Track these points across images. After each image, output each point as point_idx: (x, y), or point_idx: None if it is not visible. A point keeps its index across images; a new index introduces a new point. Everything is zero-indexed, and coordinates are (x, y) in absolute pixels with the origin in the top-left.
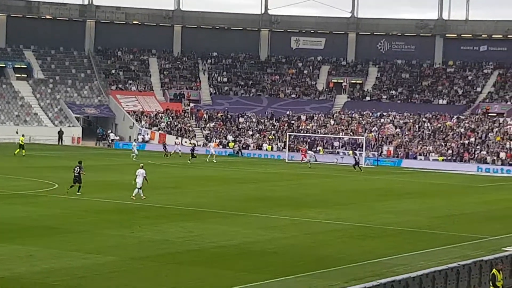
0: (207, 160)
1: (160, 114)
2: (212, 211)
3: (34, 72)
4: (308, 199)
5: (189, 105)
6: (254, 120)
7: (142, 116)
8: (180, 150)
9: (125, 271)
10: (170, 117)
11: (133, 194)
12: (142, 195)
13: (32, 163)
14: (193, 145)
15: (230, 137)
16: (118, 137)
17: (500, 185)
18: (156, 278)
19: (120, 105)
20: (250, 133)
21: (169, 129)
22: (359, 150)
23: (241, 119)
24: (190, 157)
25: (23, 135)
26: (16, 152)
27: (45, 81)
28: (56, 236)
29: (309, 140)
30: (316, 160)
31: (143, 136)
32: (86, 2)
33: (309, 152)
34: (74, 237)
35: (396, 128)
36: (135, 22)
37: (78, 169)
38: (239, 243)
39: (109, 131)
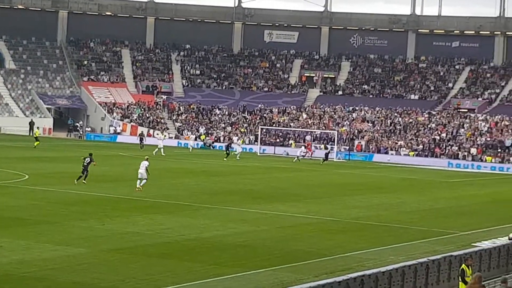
0: (237, 157)
1: (132, 106)
2: (183, 204)
3: (5, 62)
4: (280, 192)
5: (161, 97)
6: (226, 113)
7: (114, 108)
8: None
9: (95, 263)
10: (142, 109)
11: (139, 185)
12: (138, 186)
13: (2, 153)
14: (229, 141)
15: (202, 130)
16: (89, 128)
17: (470, 181)
18: (126, 271)
19: (92, 97)
20: (223, 125)
21: (141, 121)
22: (331, 144)
23: (217, 111)
24: (226, 156)
25: None
26: None
27: (17, 72)
28: (26, 227)
29: (280, 134)
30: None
31: (115, 128)
32: None
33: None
34: (44, 229)
35: (367, 123)
36: (108, 13)
37: (89, 160)
38: (210, 236)
39: (80, 122)
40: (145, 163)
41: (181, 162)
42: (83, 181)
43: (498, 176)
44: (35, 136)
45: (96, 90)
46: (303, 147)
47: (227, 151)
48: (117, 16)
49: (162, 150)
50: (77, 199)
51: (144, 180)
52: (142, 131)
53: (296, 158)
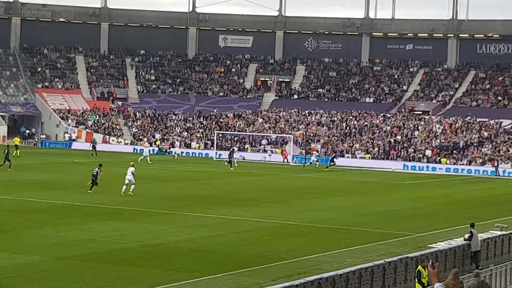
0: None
1: (87, 113)
2: (140, 210)
3: None
4: (236, 197)
5: (116, 103)
6: (182, 118)
7: (69, 115)
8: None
9: (51, 271)
10: (97, 116)
11: (130, 190)
12: (123, 191)
13: None
14: (232, 149)
15: (158, 136)
16: (44, 135)
17: (425, 183)
18: (83, 278)
19: (47, 104)
20: (178, 131)
21: (96, 127)
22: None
23: (173, 116)
24: (227, 163)
25: None
26: None
27: None
28: None
29: (236, 138)
30: (318, 161)
31: (70, 134)
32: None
33: (314, 152)
34: (0, 237)
35: (323, 127)
36: (61, 19)
37: (97, 170)
38: (166, 242)
39: (33, 129)
40: (131, 169)
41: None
42: (89, 190)
43: (453, 178)
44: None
45: (50, 97)
46: (317, 152)
47: (230, 159)
48: (71, 22)
49: (148, 158)
50: (32, 207)
51: (133, 185)
52: (94, 138)
53: (307, 163)
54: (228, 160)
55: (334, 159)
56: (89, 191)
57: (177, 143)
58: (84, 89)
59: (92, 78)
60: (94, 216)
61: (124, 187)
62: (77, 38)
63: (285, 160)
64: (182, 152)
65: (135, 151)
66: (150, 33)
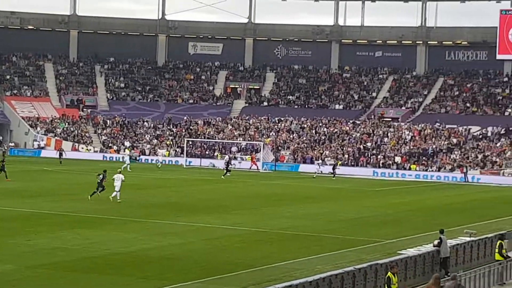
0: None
1: (56, 120)
2: (110, 218)
3: None
4: (206, 204)
5: (86, 111)
6: (151, 126)
7: (38, 122)
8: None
9: (22, 280)
10: (67, 123)
11: (111, 195)
12: (118, 198)
13: None
14: (228, 158)
15: (127, 143)
16: (13, 143)
17: (395, 189)
18: (52, 286)
19: (15, 111)
20: (148, 138)
21: (66, 135)
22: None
23: (143, 124)
24: (225, 172)
25: None
26: None
27: None
28: None
29: (206, 146)
30: (321, 172)
31: (39, 142)
32: None
33: (316, 161)
34: None
35: (293, 134)
36: (30, 27)
37: (102, 177)
38: (136, 250)
39: (0, 138)
40: (120, 176)
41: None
42: (98, 193)
43: (422, 184)
44: None
45: (19, 104)
46: (320, 161)
47: (227, 168)
48: (40, 29)
49: (128, 166)
50: (2, 215)
51: (117, 193)
52: (61, 146)
53: (315, 174)
54: (225, 169)
55: (336, 168)
56: (89, 197)
57: (161, 151)
58: (53, 97)
59: (61, 86)
60: (64, 224)
61: (118, 194)
62: (46, 45)
63: (254, 167)
64: (163, 161)
65: (105, 158)
66: (120, 40)
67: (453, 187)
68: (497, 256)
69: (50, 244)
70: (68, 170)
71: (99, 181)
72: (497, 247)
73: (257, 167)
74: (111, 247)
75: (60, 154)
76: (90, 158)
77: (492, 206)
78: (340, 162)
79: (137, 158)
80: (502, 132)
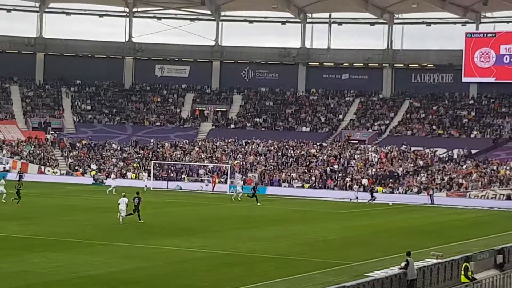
0: (233, 198)
1: (22, 143)
2: (75, 241)
3: None
4: (173, 227)
5: (52, 134)
6: (118, 148)
7: (3, 145)
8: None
9: None
10: (33, 146)
11: (120, 220)
12: (120, 221)
13: None
14: (255, 184)
15: (94, 166)
16: None
17: (362, 211)
18: None
19: None
20: (114, 161)
21: (32, 158)
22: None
23: (110, 146)
24: (253, 197)
25: None
26: None
27: None
28: None
29: (173, 168)
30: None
31: (4, 165)
32: None
33: (354, 187)
34: None
35: (260, 156)
36: None
37: (138, 200)
38: (102, 273)
39: None
40: (124, 200)
41: (72, 199)
42: (140, 221)
43: (389, 207)
44: None
45: None
46: (357, 186)
47: (254, 193)
48: (6, 52)
49: (114, 190)
50: None
51: (124, 216)
52: (20, 169)
53: (356, 199)
54: (252, 194)
55: (374, 192)
56: (120, 222)
57: (145, 174)
58: (19, 119)
59: (27, 108)
60: (29, 247)
61: (122, 215)
62: (12, 68)
63: (212, 189)
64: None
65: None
66: (86, 62)
67: (420, 209)
68: (463, 279)
69: (15, 268)
70: (25, 193)
71: (136, 204)
72: (462, 269)
73: (213, 189)
74: (77, 270)
75: (20, 177)
76: (56, 181)
77: (458, 228)
78: (372, 187)
79: (103, 181)
80: (468, 154)
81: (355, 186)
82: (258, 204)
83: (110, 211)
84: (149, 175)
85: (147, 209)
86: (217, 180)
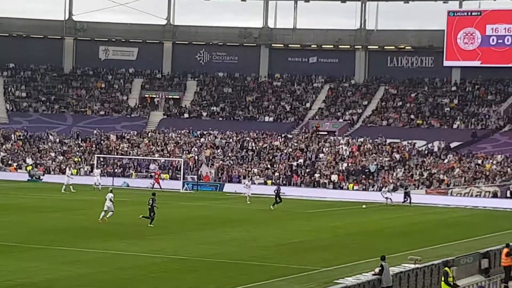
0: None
1: None
2: (9, 245)
3: None
4: (119, 229)
5: None
6: (57, 140)
7: None
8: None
9: None
10: None
11: (107, 216)
12: (101, 218)
13: None
14: (278, 186)
15: (29, 160)
16: None
17: (331, 211)
18: None
19: None
20: (53, 155)
21: None
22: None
23: (48, 138)
24: (275, 202)
25: None
26: None
27: None
28: None
29: (120, 163)
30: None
31: None
32: None
33: (384, 189)
34: None
35: (217, 149)
36: None
37: (151, 202)
38: (39, 281)
39: None
40: (110, 195)
41: (5, 197)
42: (149, 224)
43: (360, 205)
44: None
45: None
46: (389, 187)
47: (278, 197)
48: None
49: (71, 187)
50: None
51: (111, 212)
52: None
53: (388, 201)
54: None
55: (409, 193)
56: (149, 225)
57: (97, 171)
58: None
59: None
60: None
61: (103, 213)
62: None
63: (157, 186)
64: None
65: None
66: (21, 44)
67: (396, 208)
68: (443, 286)
69: None
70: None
71: (150, 206)
72: (443, 275)
73: (160, 186)
74: (11, 278)
75: None
76: None
77: (438, 229)
78: (410, 186)
79: (40, 177)
80: (450, 147)
81: (385, 187)
82: (272, 207)
83: (48, 211)
84: (101, 171)
85: (91, 208)
86: (161, 176)
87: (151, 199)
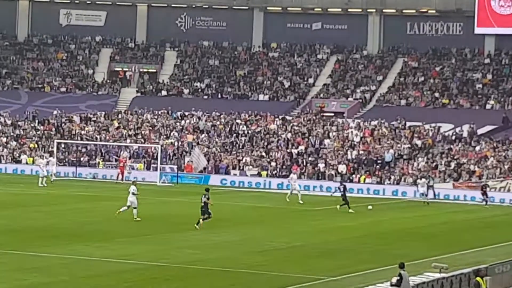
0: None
1: None
2: None
3: None
4: (84, 229)
5: None
6: (9, 122)
7: None
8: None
9: None
10: None
11: (120, 210)
12: (135, 217)
13: None
14: (342, 183)
15: None
16: None
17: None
18: None
19: None
20: (4, 140)
21: None
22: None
23: (2, 119)
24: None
25: None
26: None
27: None
28: None
29: (85, 150)
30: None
31: None
32: None
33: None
34: None
35: (201, 133)
36: None
37: (206, 198)
38: None
39: None
40: (133, 188)
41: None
42: (196, 225)
43: (375, 201)
44: None
45: None
46: (424, 179)
47: (345, 195)
48: None
49: (52, 176)
50: None
51: (135, 210)
52: None
53: (424, 198)
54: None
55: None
56: (195, 226)
57: (52, 159)
58: None
59: None
60: None
61: (124, 208)
62: None
63: (119, 177)
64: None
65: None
66: None
67: (417, 205)
68: None
69: None
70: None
71: (203, 204)
72: (473, 286)
73: (122, 177)
74: None
75: None
76: None
77: (468, 231)
78: (433, 179)
79: None
80: (483, 131)
81: (420, 179)
82: (350, 210)
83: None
84: (54, 158)
85: (49, 205)
86: (127, 165)
87: (204, 195)
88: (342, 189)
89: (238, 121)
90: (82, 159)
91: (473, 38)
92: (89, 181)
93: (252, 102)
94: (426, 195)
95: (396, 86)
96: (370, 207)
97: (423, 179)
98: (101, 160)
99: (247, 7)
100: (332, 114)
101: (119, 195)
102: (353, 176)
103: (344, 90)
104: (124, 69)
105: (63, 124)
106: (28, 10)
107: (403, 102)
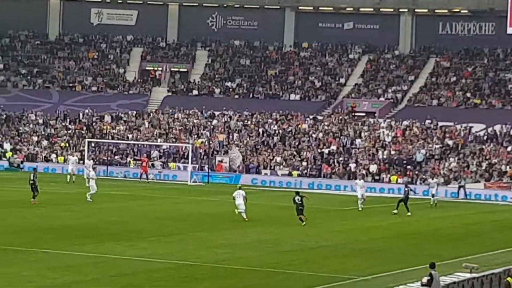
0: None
1: None
2: None
3: None
4: (114, 228)
5: None
6: (40, 121)
7: None
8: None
9: None
10: None
11: (244, 216)
12: (245, 217)
13: None
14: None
15: (7, 145)
16: None
17: (370, 208)
18: None
19: None
20: (36, 139)
21: None
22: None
23: (29, 119)
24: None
25: None
26: None
27: None
28: None
29: (115, 150)
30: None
31: None
32: None
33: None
34: None
35: (233, 133)
36: None
37: (299, 199)
38: None
39: None
40: (241, 192)
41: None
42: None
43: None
44: None
45: None
46: (435, 179)
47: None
48: None
49: (73, 177)
50: None
51: (243, 212)
52: None
53: (433, 198)
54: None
55: (464, 187)
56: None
57: (88, 162)
58: None
59: None
60: None
61: (238, 211)
62: None
63: (144, 176)
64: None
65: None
66: None
67: (448, 205)
68: None
69: None
70: None
71: (297, 204)
72: (503, 286)
73: (147, 176)
74: None
75: None
76: None
77: (500, 231)
78: (465, 179)
79: (20, 165)
80: None
81: (432, 179)
82: (408, 213)
83: (29, 207)
84: (81, 159)
85: (82, 204)
86: (148, 164)
87: (297, 198)
88: (406, 192)
89: (269, 120)
90: (112, 158)
91: (505, 38)
92: (120, 180)
93: (283, 102)
94: (433, 195)
95: (428, 86)
96: (395, 211)
97: (435, 179)
98: (132, 159)
99: (278, 7)
100: (364, 114)
101: (150, 194)
102: (384, 175)
103: (375, 90)
104: (155, 69)
105: (94, 123)
106: (59, 9)
107: (434, 102)
